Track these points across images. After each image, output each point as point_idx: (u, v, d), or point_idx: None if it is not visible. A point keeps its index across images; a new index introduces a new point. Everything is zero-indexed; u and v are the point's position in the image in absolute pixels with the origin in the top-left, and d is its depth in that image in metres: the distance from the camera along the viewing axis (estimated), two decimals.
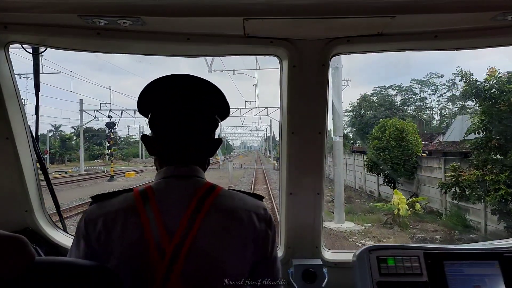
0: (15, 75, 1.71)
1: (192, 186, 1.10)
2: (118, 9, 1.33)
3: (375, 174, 15.87)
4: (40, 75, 1.89)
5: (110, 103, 30.11)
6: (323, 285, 1.73)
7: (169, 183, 1.10)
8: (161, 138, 1.14)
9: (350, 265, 1.71)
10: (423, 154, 14.87)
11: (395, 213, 11.59)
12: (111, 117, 27.55)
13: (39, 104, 1.93)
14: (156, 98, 1.15)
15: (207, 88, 1.19)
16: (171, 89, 1.15)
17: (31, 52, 1.78)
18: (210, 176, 1.23)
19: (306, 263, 1.79)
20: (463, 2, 1.32)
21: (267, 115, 29.08)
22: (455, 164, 10.74)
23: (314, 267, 1.76)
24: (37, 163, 1.89)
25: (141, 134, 1.16)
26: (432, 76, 41.19)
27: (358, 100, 29.88)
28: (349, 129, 32.49)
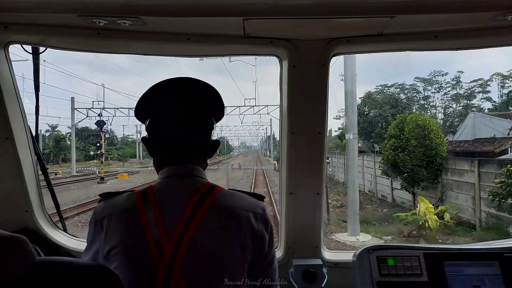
0: (15, 75, 1.71)
1: (193, 186, 1.11)
2: (118, 9, 1.33)
3: (389, 177, 14.13)
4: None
5: (103, 101, 28.95)
6: (323, 285, 1.73)
7: (171, 182, 1.12)
8: (161, 140, 1.16)
9: (350, 265, 1.71)
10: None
11: (420, 224, 9.98)
12: (102, 115, 26.34)
13: (39, 104, 1.94)
14: (155, 102, 1.18)
15: (206, 90, 1.22)
16: (171, 92, 1.17)
17: (31, 52, 1.78)
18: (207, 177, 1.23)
19: (306, 263, 1.79)
20: (463, 2, 1.32)
21: (268, 113, 28.08)
22: None
23: (314, 267, 1.76)
24: (37, 163, 1.89)
25: (141, 136, 1.19)
26: (436, 74, 40.71)
27: (361, 98, 29.29)
28: None
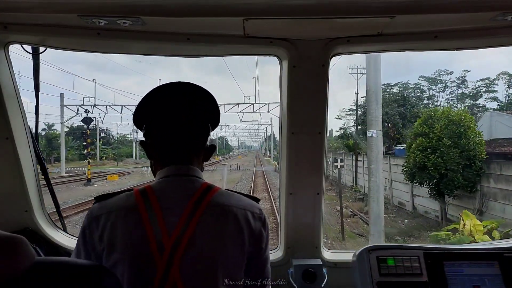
0: (15, 75, 1.71)
1: (192, 185, 1.13)
2: (118, 9, 1.33)
3: (414, 183, 11.89)
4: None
5: (94, 98, 27.38)
6: (322, 285, 1.73)
7: (170, 181, 1.14)
8: (158, 145, 1.19)
9: (350, 265, 1.71)
10: None
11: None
12: (88, 111, 24.94)
13: (39, 104, 1.94)
14: (152, 108, 1.20)
15: (201, 94, 1.24)
16: (167, 98, 1.20)
17: (31, 52, 1.78)
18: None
19: (306, 263, 1.79)
20: (463, 2, 1.32)
21: (268, 111, 27.12)
22: None
23: (314, 267, 1.76)
24: (37, 163, 1.89)
25: (138, 135, 1.20)
26: (440, 73, 39.52)
27: (365, 97, 28.90)
28: (352, 128, 31.97)
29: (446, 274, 1.57)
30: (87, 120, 23.81)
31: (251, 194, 1.28)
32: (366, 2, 1.32)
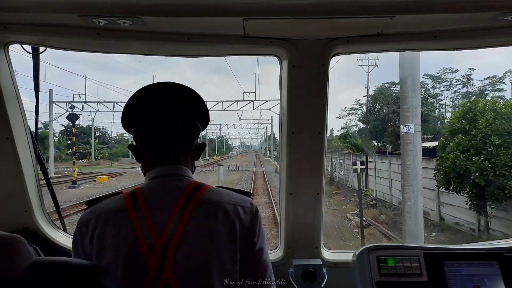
0: (15, 75, 1.71)
1: (180, 184, 1.13)
2: (118, 9, 1.33)
3: (451, 190, 9.61)
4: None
5: (85, 94, 26.01)
6: (322, 285, 1.73)
7: (158, 182, 1.14)
8: (147, 146, 1.19)
9: (350, 265, 1.71)
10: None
11: None
12: (74, 107, 23.28)
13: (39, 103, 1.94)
14: (138, 109, 1.20)
15: (187, 94, 1.24)
16: (152, 98, 1.20)
17: (31, 52, 1.78)
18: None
19: (306, 263, 1.79)
20: (463, 2, 1.32)
21: (269, 109, 25.69)
22: None
23: (314, 267, 1.76)
24: (37, 163, 1.89)
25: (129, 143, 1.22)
26: (445, 71, 37.95)
27: (372, 94, 26.93)
28: (354, 128, 31.48)
29: (446, 274, 1.57)
30: (72, 117, 21.97)
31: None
32: (366, 2, 1.32)
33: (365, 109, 28.80)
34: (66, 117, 21.55)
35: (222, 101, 24.66)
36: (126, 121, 1.23)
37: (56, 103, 24.72)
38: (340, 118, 32.58)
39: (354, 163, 13.13)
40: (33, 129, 1.86)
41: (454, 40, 1.60)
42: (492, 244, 2.03)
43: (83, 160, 39.70)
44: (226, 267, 1.07)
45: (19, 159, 1.73)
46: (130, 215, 1.05)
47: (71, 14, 1.37)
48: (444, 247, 1.70)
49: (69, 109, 22.85)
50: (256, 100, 25.61)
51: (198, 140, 1.27)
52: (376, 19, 1.43)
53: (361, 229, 10.20)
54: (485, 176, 8.31)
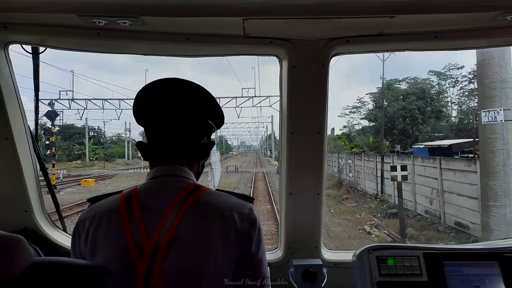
0: (15, 75, 1.71)
1: (177, 186, 1.10)
2: (118, 9, 1.33)
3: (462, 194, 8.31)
4: None
5: (72, 91, 23.75)
6: (323, 285, 1.73)
7: (155, 183, 1.12)
8: (152, 143, 1.17)
9: (350, 265, 1.71)
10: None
11: None
12: (53, 103, 21.29)
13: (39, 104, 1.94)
14: (144, 106, 1.19)
15: (195, 90, 1.20)
16: (158, 95, 1.18)
17: (31, 52, 1.78)
18: None
19: (306, 263, 1.79)
20: (463, 2, 1.32)
21: (270, 106, 23.90)
22: None
23: (314, 267, 1.76)
24: (37, 163, 1.89)
25: (130, 134, 1.14)
26: (450, 68, 36.14)
27: (378, 91, 25.33)
28: (356, 127, 31.04)
29: (446, 274, 1.57)
30: (51, 115, 18.79)
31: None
32: (366, 2, 1.32)
33: (368, 107, 28.20)
34: (44, 115, 18.55)
35: (219, 98, 22.74)
36: (137, 119, 1.22)
37: (42, 100, 22.33)
38: (342, 116, 32.36)
39: (393, 168, 10.58)
40: (33, 129, 1.86)
41: (454, 40, 1.60)
42: (492, 244, 2.03)
43: (77, 161, 38.46)
44: (217, 276, 1.01)
45: (19, 159, 1.73)
46: (122, 216, 1.03)
47: (71, 14, 1.37)
48: (444, 247, 1.70)
49: (48, 106, 20.68)
50: (256, 97, 24.32)
51: (212, 138, 1.23)
52: (376, 19, 1.43)
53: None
54: None
